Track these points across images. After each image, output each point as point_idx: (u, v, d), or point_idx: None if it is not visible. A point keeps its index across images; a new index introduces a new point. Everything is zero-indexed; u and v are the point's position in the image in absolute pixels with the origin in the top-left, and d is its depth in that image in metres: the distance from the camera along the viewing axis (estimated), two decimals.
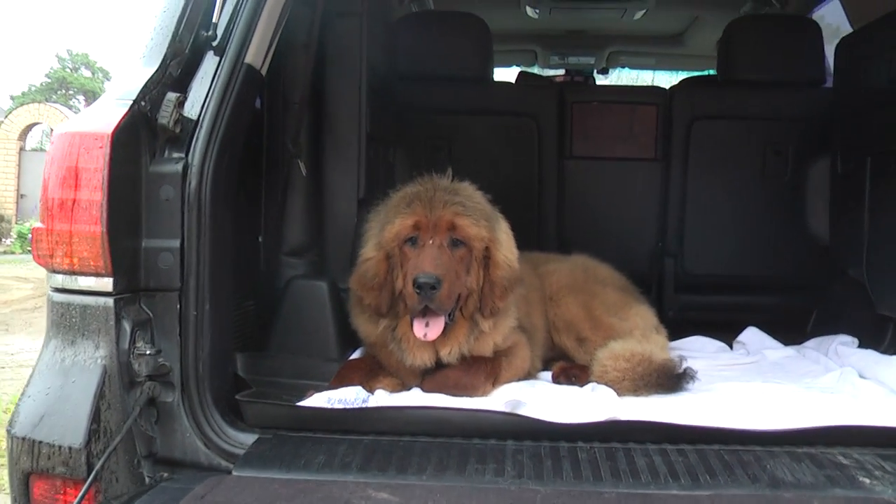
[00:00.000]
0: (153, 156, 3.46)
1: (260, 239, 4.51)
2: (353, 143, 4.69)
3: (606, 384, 4.20)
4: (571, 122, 6.44)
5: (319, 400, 3.69)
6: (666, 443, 3.40)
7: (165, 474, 3.39)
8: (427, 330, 3.86)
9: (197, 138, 3.50)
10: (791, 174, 6.14)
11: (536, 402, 3.75)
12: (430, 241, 3.87)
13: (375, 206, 4.19)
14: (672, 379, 4.21)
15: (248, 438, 3.43)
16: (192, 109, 3.54)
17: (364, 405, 3.75)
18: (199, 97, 3.56)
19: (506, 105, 6.40)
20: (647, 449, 3.33)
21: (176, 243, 3.43)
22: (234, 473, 3.14)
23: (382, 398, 3.86)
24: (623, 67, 10.03)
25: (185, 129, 3.50)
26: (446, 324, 3.91)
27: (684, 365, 4.28)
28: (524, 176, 6.29)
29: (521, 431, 3.48)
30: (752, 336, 5.63)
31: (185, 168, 3.45)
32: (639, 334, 4.71)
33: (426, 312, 3.85)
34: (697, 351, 5.50)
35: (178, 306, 3.43)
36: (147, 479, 3.36)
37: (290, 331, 4.44)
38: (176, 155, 3.49)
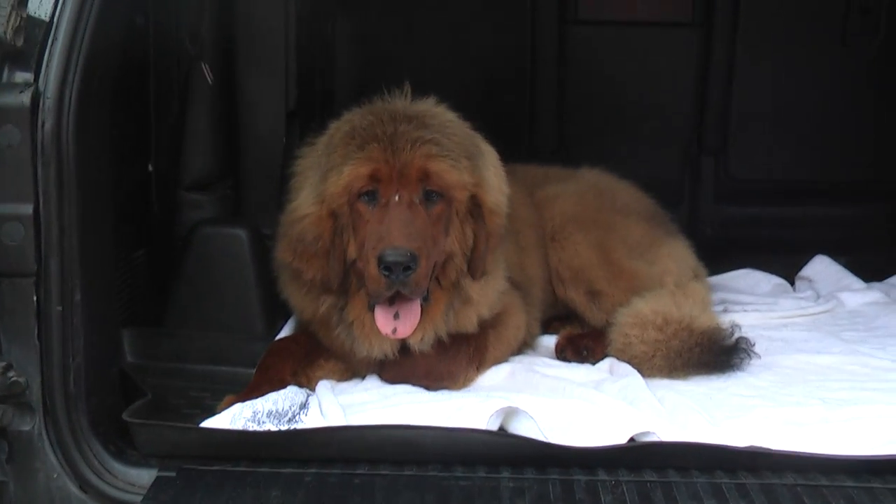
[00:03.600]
0: None
1: (150, 168, 4.26)
2: (276, 31, 4.40)
3: (629, 361, 4.08)
4: None
5: (241, 415, 3.46)
6: (719, 470, 3.24)
7: None
8: (397, 324, 3.66)
9: (51, 53, 3.17)
10: (883, 41, 5.91)
11: (537, 406, 3.55)
12: (396, 198, 3.60)
13: (312, 140, 3.90)
14: (720, 356, 4.09)
15: (144, 476, 3.24)
16: (39, 8, 3.20)
17: (303, 416, 3.54)
18: None
19: None
20: (695, 484, 3.16)
21: (27, 209, 3.15)
22: None
23: (327, 399, 3.66)
24: None
25: (32, 40, 3.17)
26: (422, 306, 3.71)
27: (736, 334, 4.15)
28: (511, 49, 5.97)
29: (521, 458, 3.30)
30: (821, 269, 5.52)
31: (36, 99, 3.13)
32: (671, 283, 4.57)
33: (394, 298, 3.63)
34: (747, 292, 5.40)
35: (35, 298, 3.19)
36: None
37: (198, 297, 4.24)
38: (20, 79, 3.17)
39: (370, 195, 3.63)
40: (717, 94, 6.08)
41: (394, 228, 3.54)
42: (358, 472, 3.25)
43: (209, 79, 4.19)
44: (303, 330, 4.11)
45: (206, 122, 4.33)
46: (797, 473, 3.21)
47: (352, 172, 3.62)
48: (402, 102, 3.78)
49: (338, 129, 3.79)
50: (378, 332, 3.74)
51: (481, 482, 3.19)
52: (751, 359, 4.13)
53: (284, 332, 4.23)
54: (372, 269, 3.54)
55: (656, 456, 3.30)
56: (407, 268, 3.48)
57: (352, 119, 3.78)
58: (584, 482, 3.19)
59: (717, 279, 5.33)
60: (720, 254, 5.49)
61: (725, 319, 4.36)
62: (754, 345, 4.16)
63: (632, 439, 3.36)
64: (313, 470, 3.26)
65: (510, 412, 3.48)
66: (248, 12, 4.39)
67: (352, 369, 4.00)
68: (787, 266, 5.67)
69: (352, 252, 3.70)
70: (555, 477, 3.22)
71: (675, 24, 6.11)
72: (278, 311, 4.26)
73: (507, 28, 5.99)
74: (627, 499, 3.10)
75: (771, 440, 3.34)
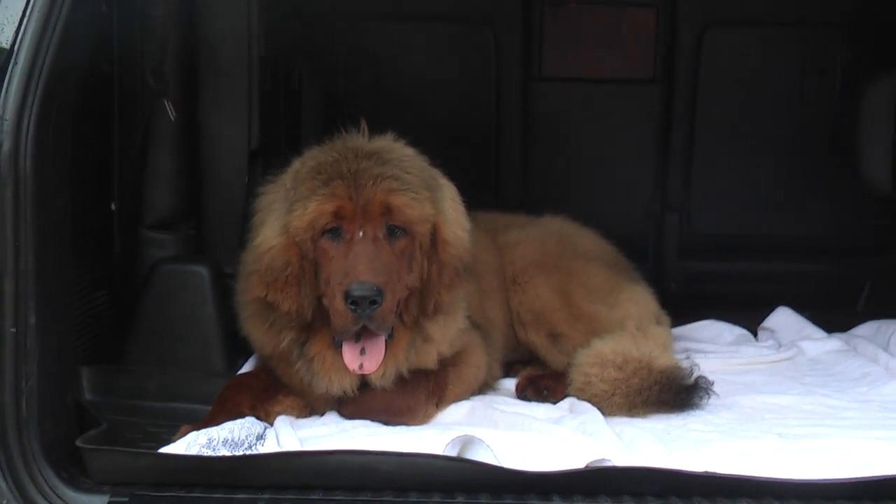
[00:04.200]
0: None
1: (113, 206, 4.25)
2: (240, 71, 4.44)
3: (590, 400, 4.07)
4: (542, 29, 6.17)
5: (196, 441, 3.43)
6: (673, 496, 3.22)
7: None
8: (364, 360, 3.66)
9: (10, 78, 3.18)
10: (839, 100, 5.98)
11: (494, 437, 3.53)
12: (361, 234, 3.62)
13: (273, 177, 3.92)
14: (679, 394, 4.09)
15: (96, 503, 3.19)
16: (0, 35, 3.22)
17: (259, 446, 3.52)
18: (12, 15, 3.23)
19: (452, 6, 6.13)
20: None
21: None
22: None
23: (284, 432, 3.63)
24: None
25: None
26: (385, 342, 3.71)
27: (695, 374, 4.16)
28: (477, 105, 6.04)
29: (475, 483, 3.27)
30: (783, 320, 5.53)
31: None
32: (632, 326, 4.59)
33: (360, 334, 3.65)
34: (710, 342, 5.40)
35: None
36: None
37: (158, 334, 4.22)
38: None
39: (334, 232, 3.65)
40: (680, 151, 6.13)
41: (359, 263, 3.55)
42: (312, 497, 3.21)
43: (171, 115, 4.20)
44: (263, 366, 4.09)
45: (168, 159, 4.34)
46: (751, 499, 3.19)
47: (316, 209, 3.63)
48: (361, 139, 3.82)
49: (303, 163, 3.80)
50: (338, 367, 3.74)
51: None
52: (709, 398, 4.12)
53: (245, 370, 4.19)
54: (338, 304, 3.55)
55: (611, 481, 3.27)
56: (373, 302, 3.49)
57: (317, 155, 3.80)
58: None
59: (680, 330, 5.34)
60: (685, 309, 5.49)
61: (685, 361, 4.37)
62: (713, 384, 4.15)
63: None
64: (267, 496, 3.21)
65: (467, 442, 3.45)
66: (212, 50, 4.42)
67: (310, 406, 3.98)
68: (752, 320, 5.67)
69: (319, 288, 3.70)
70: (509, 502, 3.18)
71: (638, 81, 6.17)
72: (239, 349, 4.23)
73: (473, 84, 6.06)
74: None
75: (726, 469, 3.32)
